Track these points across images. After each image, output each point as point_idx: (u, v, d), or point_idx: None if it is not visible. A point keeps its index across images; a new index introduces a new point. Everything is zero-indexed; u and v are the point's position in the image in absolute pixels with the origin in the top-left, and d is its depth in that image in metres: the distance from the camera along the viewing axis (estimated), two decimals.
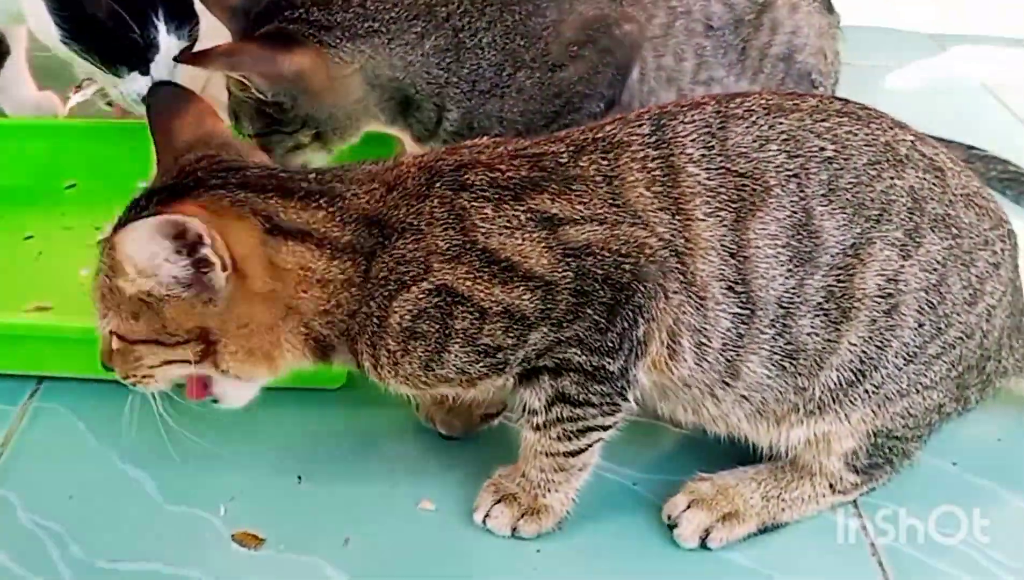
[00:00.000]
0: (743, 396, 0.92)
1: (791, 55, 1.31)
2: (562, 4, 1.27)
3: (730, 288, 0.88)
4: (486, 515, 0.97)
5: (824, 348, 0.90)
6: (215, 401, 0.97)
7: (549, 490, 0.96)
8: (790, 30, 1.31)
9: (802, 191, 0.88)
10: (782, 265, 0.88)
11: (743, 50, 1.30)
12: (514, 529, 0.97)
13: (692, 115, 0.92)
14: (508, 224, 0.87)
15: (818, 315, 0.89)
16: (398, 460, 1.06)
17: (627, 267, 0.86)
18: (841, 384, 0.91)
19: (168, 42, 1.36)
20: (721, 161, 0.89)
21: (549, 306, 0.87)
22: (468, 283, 0.87)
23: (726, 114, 0.91)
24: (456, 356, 0.89)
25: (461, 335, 0.88)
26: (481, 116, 1.28)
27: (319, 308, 0.89)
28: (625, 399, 0.91)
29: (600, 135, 0.92)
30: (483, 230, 0.87)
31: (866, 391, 0.92)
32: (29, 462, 1.04)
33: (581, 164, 0.90)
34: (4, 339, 1.12)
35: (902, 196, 0.90)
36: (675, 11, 1.30)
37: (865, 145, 0.91)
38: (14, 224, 1.40)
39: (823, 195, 0.88)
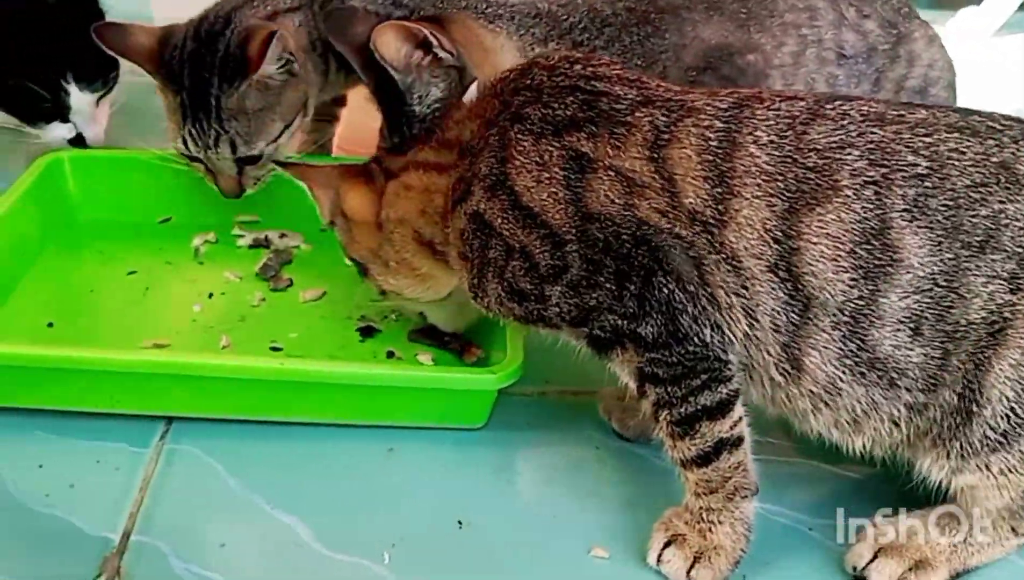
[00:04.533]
0: (814, 394, 0.88)
1: (926, 88, 1.29)
2: (684, 27, 1.26)
3: (771, 270, 0.85)
4: (659, 558, 0.93)
5: (927, 364, 0.85)
6: None
7: (712, 521, 0.92)
8: (927, 63, 1.29)
9: (880, 200, 0.84)
10: (844, 271, 0.84)
11: (877, 80, 1.27)
12: (689, 575, 0.92)
13: (781, 105, 0.89)
14: (540, 160, 0.90)
15: (901, 331, 0.85)
16: (564, 502, 1.01)
17: (624, 237, 0.87)
18: (955, 410, 0.86)
19: (81, 98, 1.43)
20: (789, 150, 0.86)
21: (559, 263, 0.89)
22: (498, 220, 0.92)
23: (817, 112, 0.88)
24: (492, 285, 0.94)
25: (492, 265, 0.93)
26: None
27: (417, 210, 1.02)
28: (701, 368, 0.88)
29: (676, 97, 0.92)
30: (516, 163, 0.91)
31: (987, 437, 0.86)
32: (171, 508, 0.99)
33: (638, 114, 0.90)
34: (132, 378, 1.07)
35: (1014, 221, 0.84)
36: (806, 39, 1.28)
37: (971, 165, 0.85)
38: (115, 259, 1.35)
39: (905, 210, 0.84)
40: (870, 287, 0.84)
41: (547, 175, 0.90)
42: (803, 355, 0.87)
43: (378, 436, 1.08)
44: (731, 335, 0.88)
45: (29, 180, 1.34)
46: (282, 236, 1.41)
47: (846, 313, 0.85)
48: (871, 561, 0.93)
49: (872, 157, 0.85)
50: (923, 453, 0.90)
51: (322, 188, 1.09)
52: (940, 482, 0.90)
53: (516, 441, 1.09)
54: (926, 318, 0.84)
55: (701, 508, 0.92)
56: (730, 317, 0.87)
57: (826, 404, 0.89)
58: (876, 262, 0.84)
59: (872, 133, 0.87)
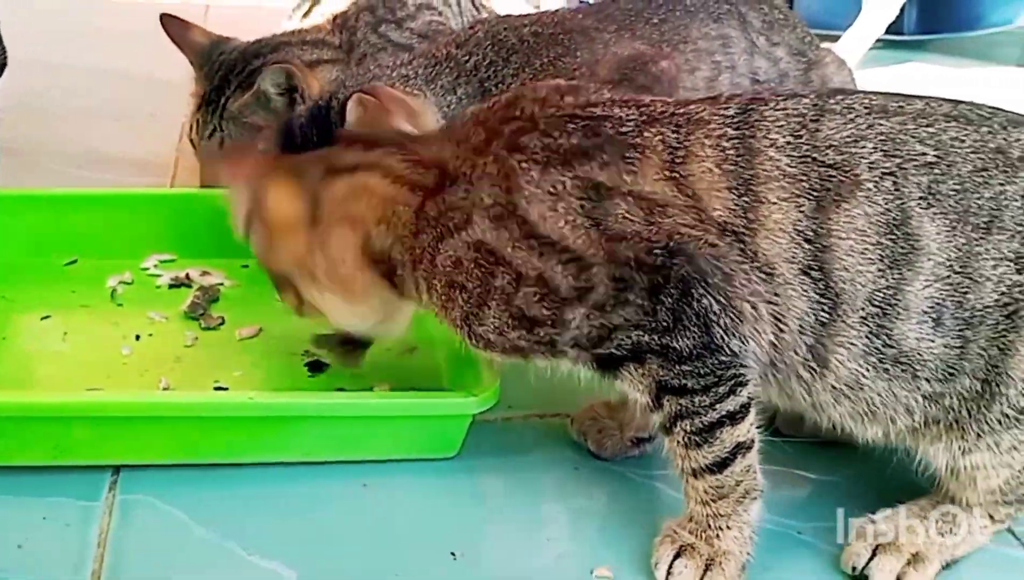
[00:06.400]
0: (836, 389, 0.89)
1: None
2: (595, 46, 1.28)
3: (804, 272, 0.86)
4: (668, 571, 0.91)
5: (947, 354, 0.87)
6: None
7: (720, 528, 0.91)
8: (839, 85, 1.35)
9: (898, 190, 0.86)
10: (871, 263, 0.86)
11: None
12: None
13: (786, 104, 0.90)
14: (552, 190, 0.88)
15: (925, 322, 0.86)
16: (556, 525, 0.98)
17: (657, 251, 0.85)
18: (975, 394, 0.88)
19: None
20: (807, 150, 0.87)
21: (583, 285, 0.86)
22: (508, 249, 0.88)
23: (823, 108, 0.90)
24: (494, 316, 0.90)
25: (498, 294, 0.89)
26: None
27: (373, 219, 0.94)
28: (728, 375, 0.87)
29: (680, 110, 0.91)
30: (526, 194, 0.88)
31: (1004, 415, 0.88)
32: (138, 564, 0.90)
33: (646, 134, 0.89)
34: (78, 423, 0.98)
35: (1015, 201, 0.87)
36: (720, 65, 1.32)
37: (971, 152, 0.89)
38: (22, 304, 1.25)
39: (921, 198, 0.86)
40: (896, 276, 0.85)
41: (563, 204, 0.87)
42: (829, 353, 0.87)
43: (348, 472, 1.02)
44: (757, 343, 0.87)
45: None
46: (203, 273, 1.33)
47: (874, 306, 0.86)
48: (870, 559, 0.93)
49: (885, 149, 0.87)
50: (930, 439, 0.91)
51: (238, 187, 0.98)
52: (942, 466, 0.92)
53: (491, 468, 1.06)
54: (946, 307, 0.86)
55: (708, 515, 0.91)
56: (756, 328, 0.87)
57: (847, 398, 0.90)
58: (900, 251, 0.85)
59: (880, 125, 0.88)
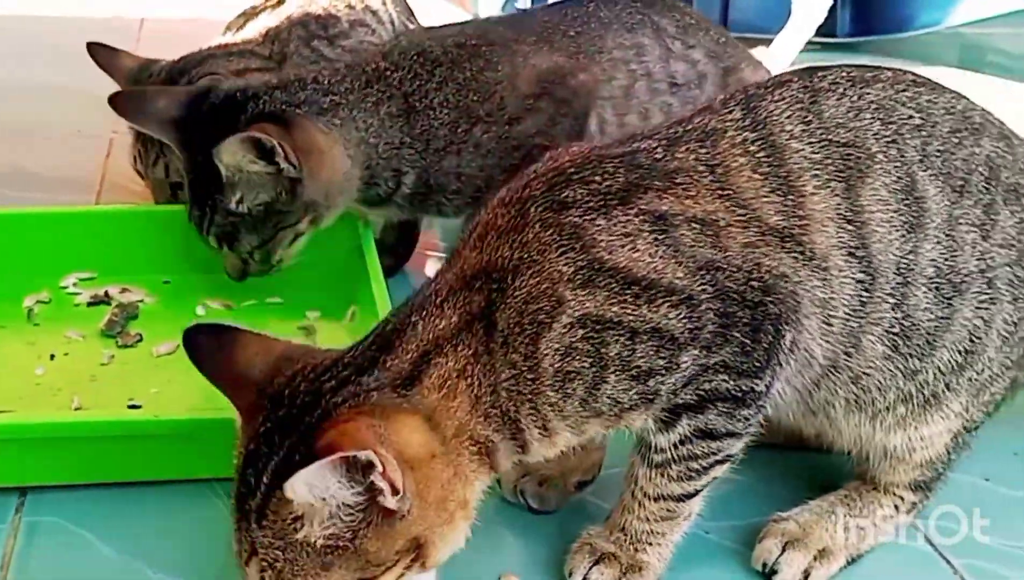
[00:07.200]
0: (852, 374, 0.90)
1: None
2: (515, 59, 1.30)
3: (851, 254, 0.87)
4: (584, 578, 0.91)
5: (937, 326, 0.89)
6: None
7: (650, 543, 0.91)
8: None
9: (902, 156, 0.89)
10: (896, 229, 0.87)
11: None
12: None
13: (780, 93, 0.91)
14: (625, 232, 0.82)
15: (930, 289, 0.89)
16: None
17: (755, 285, 0.84)
18: (952, 367, 0.91)
19: None
20: (821, 133, 0.88)
21: (696, 325, 0.82)
22: (615, 308, 0.81)
23: (813, 88, 0.91)
24: (613, 386, 0.83)
25: (616, 361, 0.82)
26: (437, 174, 1.28)
27: (468, 407, 0.80)
28: (760, 418, 0.88)
29: (690, 126, 0.90)
30: (604, 244, 0.82)
31: (969, 379, 0.92)
32: None
33: (679, 156, 0.87)
34: None
35: (980, 165, 0.91)
36: (635, 73, 1.34)
37: (945, 113, 0.92)
38: None
39: (920, 161, 0.89)
40: (913, 241, 0.87)
41: (642, 242, 0.82)
42: (864, 334, 0.88)
43: None
44: (816, 348, 0.88)
45: None
46: (123, 290, 1.33)
47: (899, 274, 0.87)
48: (780, 555, 0.95)
49: (880, 116, 0.89)
50: (883, 417, 0.93)
51: (380, 446, 0.74)
52: (893, 445, 0.95)
53: None
54: (942, 270, 0.88)
55: (645, 531, 0.91)
56: (812, 339, 0.87)
57: (853, 384, 0.90)
58: (913, 214, 0.88)
59: (867, 94, 0.90)
